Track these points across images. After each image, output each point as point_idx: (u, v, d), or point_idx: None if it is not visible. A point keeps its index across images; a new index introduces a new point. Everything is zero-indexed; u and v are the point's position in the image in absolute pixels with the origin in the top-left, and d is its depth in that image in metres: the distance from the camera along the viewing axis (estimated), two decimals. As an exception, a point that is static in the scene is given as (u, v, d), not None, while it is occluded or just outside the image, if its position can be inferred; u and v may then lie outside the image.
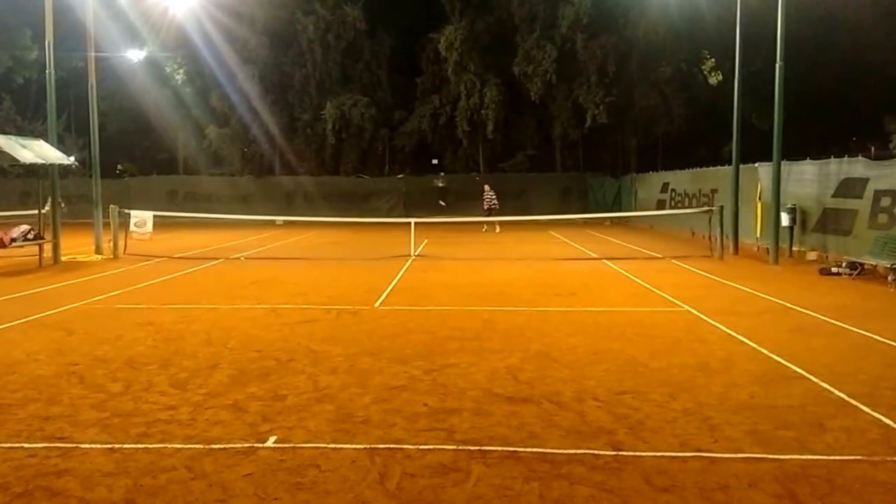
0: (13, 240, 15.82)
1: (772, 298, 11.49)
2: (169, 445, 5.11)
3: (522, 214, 26.49)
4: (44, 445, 5.11)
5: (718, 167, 23.46)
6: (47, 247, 16.74)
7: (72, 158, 19.98)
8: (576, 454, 4.94)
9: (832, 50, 31.02)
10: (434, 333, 8.98)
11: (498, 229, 27.35)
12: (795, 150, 18.20)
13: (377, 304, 11.29)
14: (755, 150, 20.24)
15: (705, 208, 20.61)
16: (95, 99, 19.84)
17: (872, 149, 26.26)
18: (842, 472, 4.63)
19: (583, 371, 7.13)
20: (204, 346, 8.26)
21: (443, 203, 35.69)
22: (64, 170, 20.09)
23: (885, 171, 14.59)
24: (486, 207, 27.84)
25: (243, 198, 36.94)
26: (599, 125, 34.55)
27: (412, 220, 20.05)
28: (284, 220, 29.43)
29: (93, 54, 19.86)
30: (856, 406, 5.96)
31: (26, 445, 5.11)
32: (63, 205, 17.13)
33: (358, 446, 5.08)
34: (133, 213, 19.64)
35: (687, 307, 10.75)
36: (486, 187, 28.70)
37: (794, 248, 17.45)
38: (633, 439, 5.22)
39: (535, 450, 5.01)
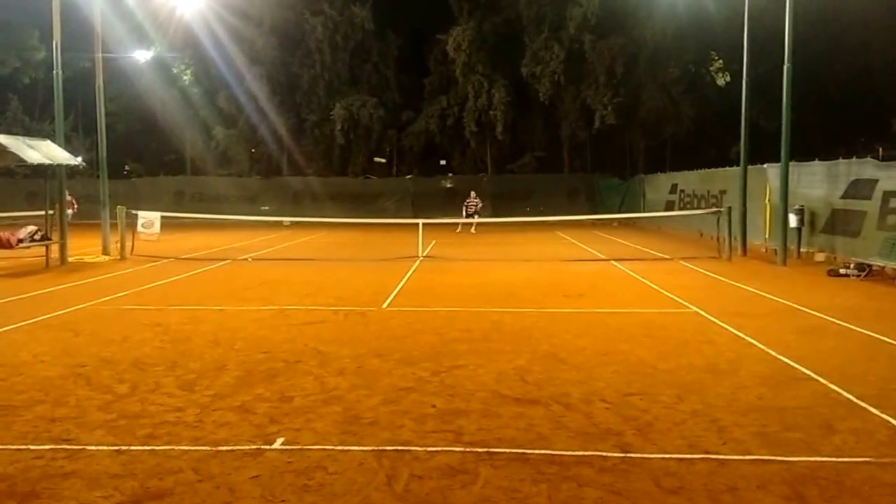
0: (20, 241, 15.87)
1: (780, 300, 11.44)
2: (176, 447, 5.09)
3: (530, 215, 26.42)
4: (50, 447, 5.09)
5: (727, 168, 23.41)
6: (54, 248, 16.77)
7: (79, 159, 20.08)
8: (584, 456, 4.91)
9: (840, 51, 30.93)
10: (442, 335, 8.95)
11: (473, 230, 27.69)
12: (803, 151, 18.15)
13: (385, 305, 11.28)
14: (764, 151, 20.17)
15: (714, 209, 20.54)
16: (103, 99, 19.88)
17: (881, 150, 26.15)
18: (850, 474, 4.59)
19: (591, 372, 7.10)
20: (211, 348, 8.25)
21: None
22: (71, 170, 20.16)
23: (894, 173, 14.54)
24: (468, 213, 28.21)
25: (251, 198, 36.98)
26: (607, 126, 34.54)
27: (420, 221, 20.07)
28: (292, 221, 29.44)
29: (100, 55, 19.90)
30: (864, 408, 5.92)
31: (33, 447, 5.10)
32: (74, 206, 17.13)
33: (365, 448, 5.06)
34: (140, 213, 19.66)
35: (695, 308, 10.71)
36: (473, 193, 28.99)
37: (802, 250, 17.37)
38: (642, 441, 5.20)
39: (543, 451, 4.99)
